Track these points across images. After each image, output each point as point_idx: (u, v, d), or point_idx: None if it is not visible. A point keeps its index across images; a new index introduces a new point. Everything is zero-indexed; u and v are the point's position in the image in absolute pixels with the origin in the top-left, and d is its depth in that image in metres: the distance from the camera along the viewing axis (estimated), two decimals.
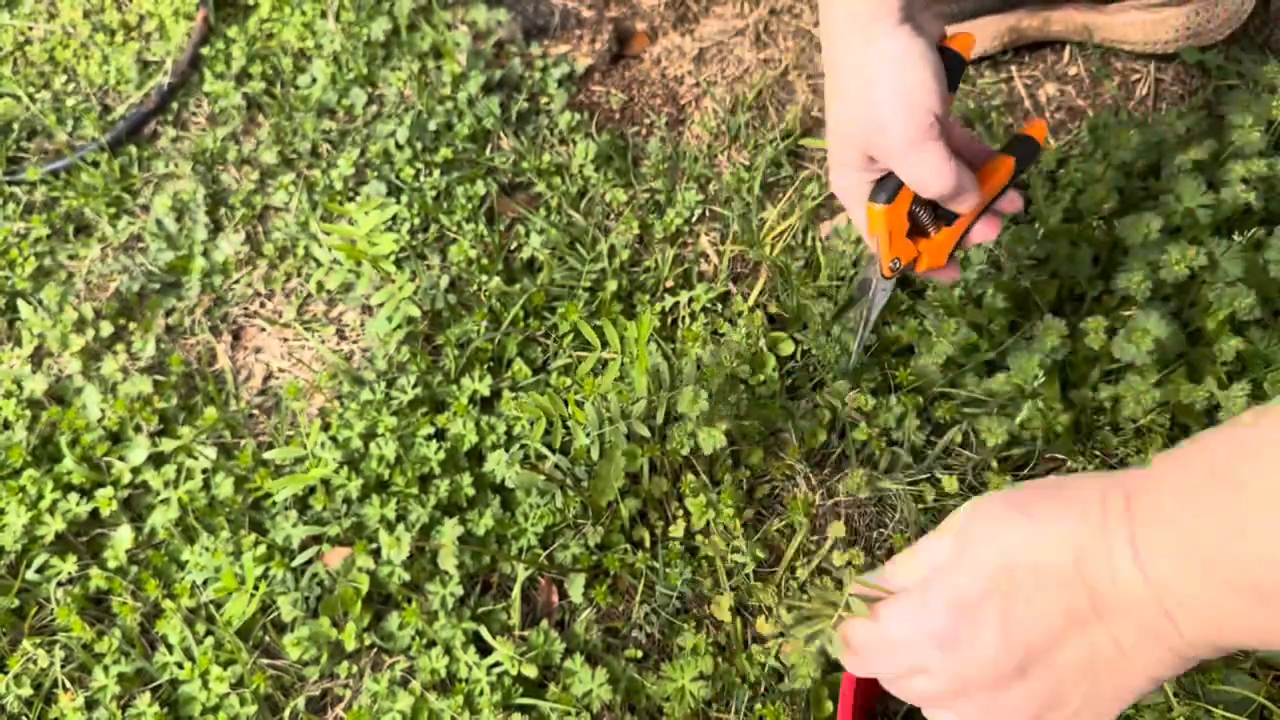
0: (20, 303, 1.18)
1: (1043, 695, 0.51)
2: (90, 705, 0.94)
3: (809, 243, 1.13)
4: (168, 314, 1.18)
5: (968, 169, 0.72)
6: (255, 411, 1.11)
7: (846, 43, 0.69)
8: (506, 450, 1.02)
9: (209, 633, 0.97)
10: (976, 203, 0.75)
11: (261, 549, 0.98)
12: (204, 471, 1.04)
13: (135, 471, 1.06)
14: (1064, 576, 0.49)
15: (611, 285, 1.10)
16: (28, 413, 1.09)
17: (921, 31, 0.70)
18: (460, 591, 0.95)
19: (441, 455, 1.00)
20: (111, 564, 1.00)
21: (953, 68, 0.72)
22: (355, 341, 1.16)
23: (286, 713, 0.94)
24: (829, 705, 0.89)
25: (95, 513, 1.03)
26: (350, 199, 1.22)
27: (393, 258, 1.14)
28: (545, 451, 1.01)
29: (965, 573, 0.52)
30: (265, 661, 0.95)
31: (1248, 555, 0.42)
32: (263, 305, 1.19)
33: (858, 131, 0.71)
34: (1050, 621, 0.50)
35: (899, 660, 0.56)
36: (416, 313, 1.10)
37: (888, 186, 0.75)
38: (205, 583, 0.98)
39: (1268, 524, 0.41)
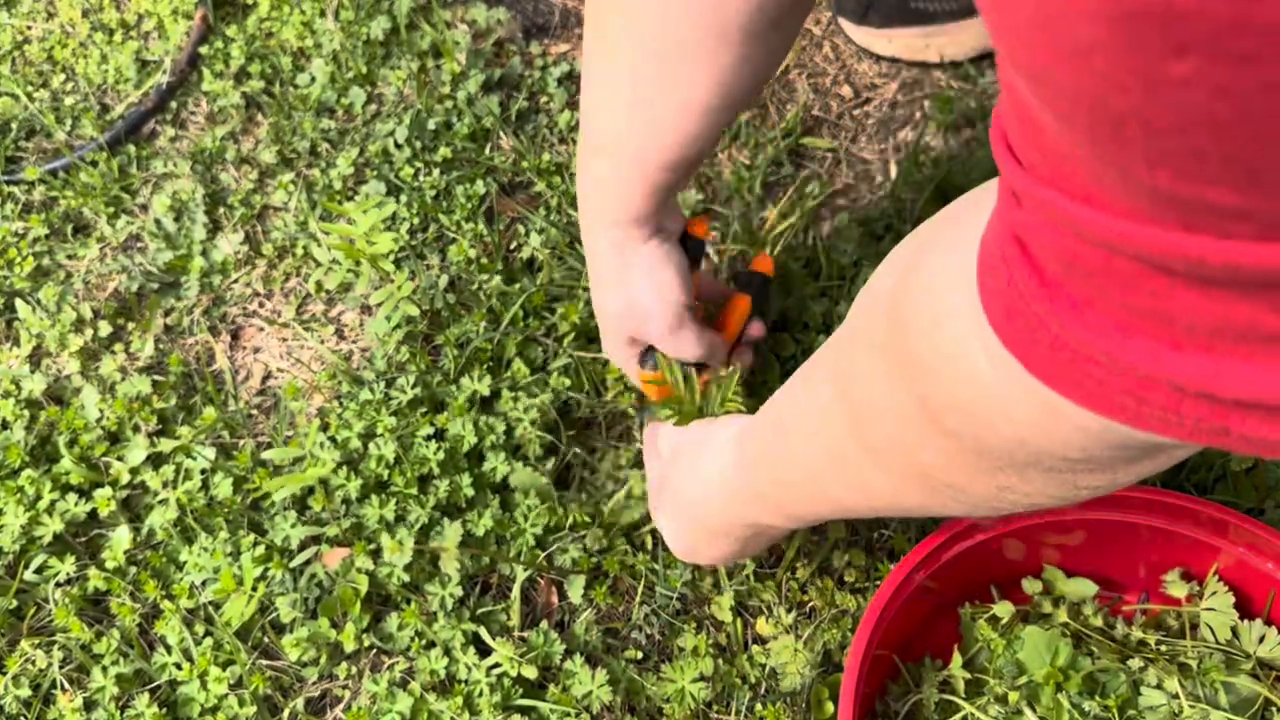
0: (18, 302, 1.17)
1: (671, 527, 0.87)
2: (89, 706, 0.94)
3: (810, 242, 1.13)
4: (166, 314, 1.18)
5: (713, 333, 0.90)
6: (254, 412, 1.11)
7: (607, 260, 0.85)
8: (506, 450, 1.02)
9: (208, 633, 0.96)
10: (725, 363, 0.91)
11: (260, 549, 0.98)
12: (203, 472, 1.04)
13: (134, 472, 1.05)
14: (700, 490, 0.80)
15: None
16: (26, 413, 1.09)
17: (667, 237, 0.84)
18: (460, 592, 0.95)
19: (441, 455, 1.00)
20: (110, 564, 1.00)
21: (694, 251, 0.89)
22: (354, 341, 1.15)
23: (285, 713, 0.93)
24: (829, 706, 0.89)
25: (94, 513, 1.03)
26: (349, 198, 1.22)
27: (392, 257, 1.14)
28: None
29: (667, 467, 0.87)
30: (264, 662, 0.95)
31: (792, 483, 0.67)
32: (262, 305, 1.19)
33: (625, 322, 0.87)
34: (691, 482, 0.82)
35: (649, 466, 0.91)
36: (416, 312, 1.10)
37: (651, 356, 0.90)
38: (204, 583, 0.98)
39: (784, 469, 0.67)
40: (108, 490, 1.03)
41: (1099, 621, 0.85)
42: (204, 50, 1.34)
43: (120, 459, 1.06)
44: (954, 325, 0.43)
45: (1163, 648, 0.84)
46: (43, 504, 1.02)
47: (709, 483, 0.76)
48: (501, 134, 1.25)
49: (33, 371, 1.13)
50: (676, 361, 0.89)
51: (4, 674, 0.95)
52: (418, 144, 1.23)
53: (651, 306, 0.85)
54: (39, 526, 1.02)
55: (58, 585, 1.00)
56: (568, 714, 0.90)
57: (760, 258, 0.96)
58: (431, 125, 1.24)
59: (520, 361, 1.07)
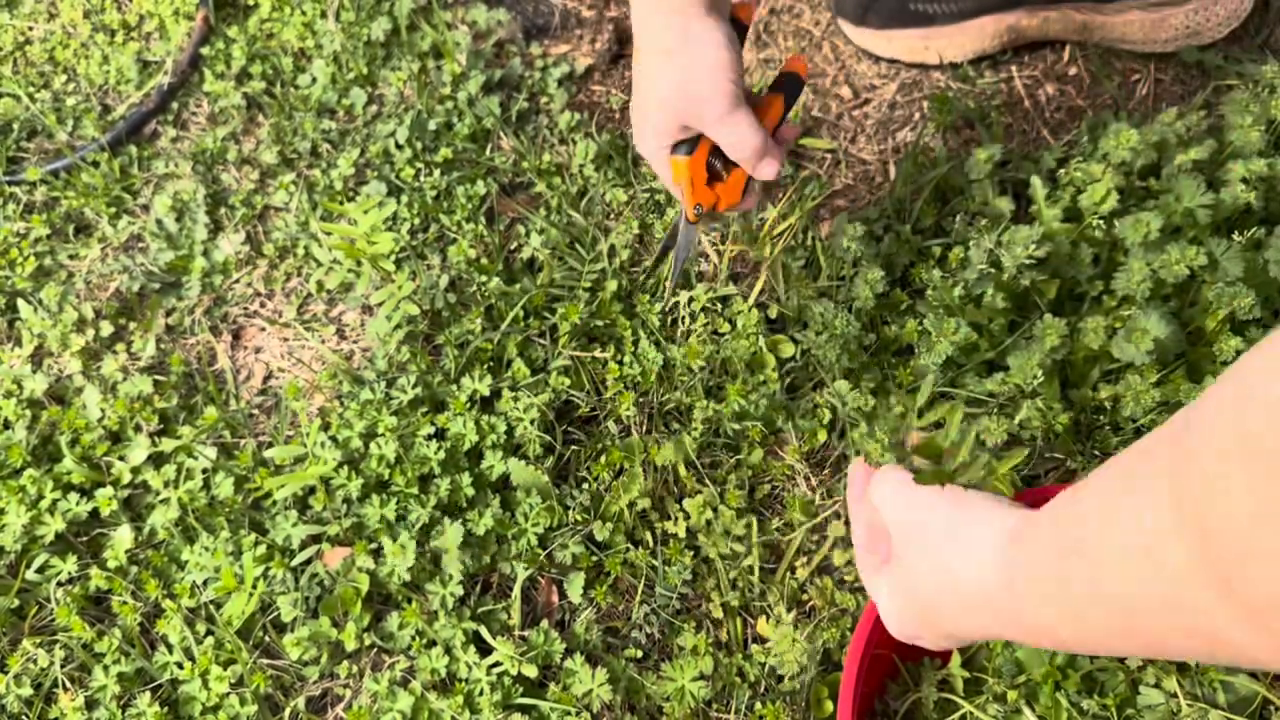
0: (20, 302, 1.18)
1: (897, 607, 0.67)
2: (90, 705, 0.94)
3: (809, 242, 1.13)
4: (168, 314, 1.18)
5: (768, 136, 0.84)
6: (255, 411, 1.11)
7: (660, 35, 0.80)
8: (506, 450, 1.02)
9: (209, 632, 0.97)
10: (776, 169, 0.87)
11: (261, 549, 0.98)
12: (204, 471, 1.04)
13: (135, 471, 1.06)
14: (949, 597, 0.61)
15: (611, 285, 1.10)
16: (28, 412, 1.09)
17: (720, 15, 0.81)
18: (460, 591, 0.95)
19: (441, 455, 1.00)
20: (111, 564, 1.00)
21: (739, 35, 0.84)
22: (355, 341, 1.16)
23: (286, 712, 0.94)
24: (829, 705, 0.89)
25: (95, 512, 1.03)
26: (350, 199, 1.22)
27: (393, 257, 1.14)
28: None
29: (935, 513, 0.64)
30: (265, 661, 0.95)
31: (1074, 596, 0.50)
32: (263, 305, 1.19)
33: (677, 105, 0.82)
34: (913, 606, 0.65)
35: (855, 528, 0.70)
36: (416, 312, 1.10)
37: (689, 141, 0.85)
38: (205, 582, 0.98)
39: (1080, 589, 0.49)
40: (109, 490, 1.03)
41: None
42: (205, 51, 1.34)
43: (122, 458, 1.06)
44: None
45: None
46: (44, 503, 1.02)
47: (962, 591, 0.60)
48: (502, 134, 1.25)
49: (34, 371, 1.13)
50: (715, 158, 0.85)
51: (6, 673, 0.95)
52: (418, 144, 1.23)
53: (709, 88, 0.80)
54: (41, 526, 1.02)
55: (59, 584, 1.00)
56: (568, 713, 0.90)
57: (794, 58, 0.92)
58: (432, 126, 1.25)
59: (520, 361, 1.07)
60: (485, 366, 1.07)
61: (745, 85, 0.87)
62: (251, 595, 0.96)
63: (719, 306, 1.10)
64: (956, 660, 0.85)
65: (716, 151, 0.87)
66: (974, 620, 0.60)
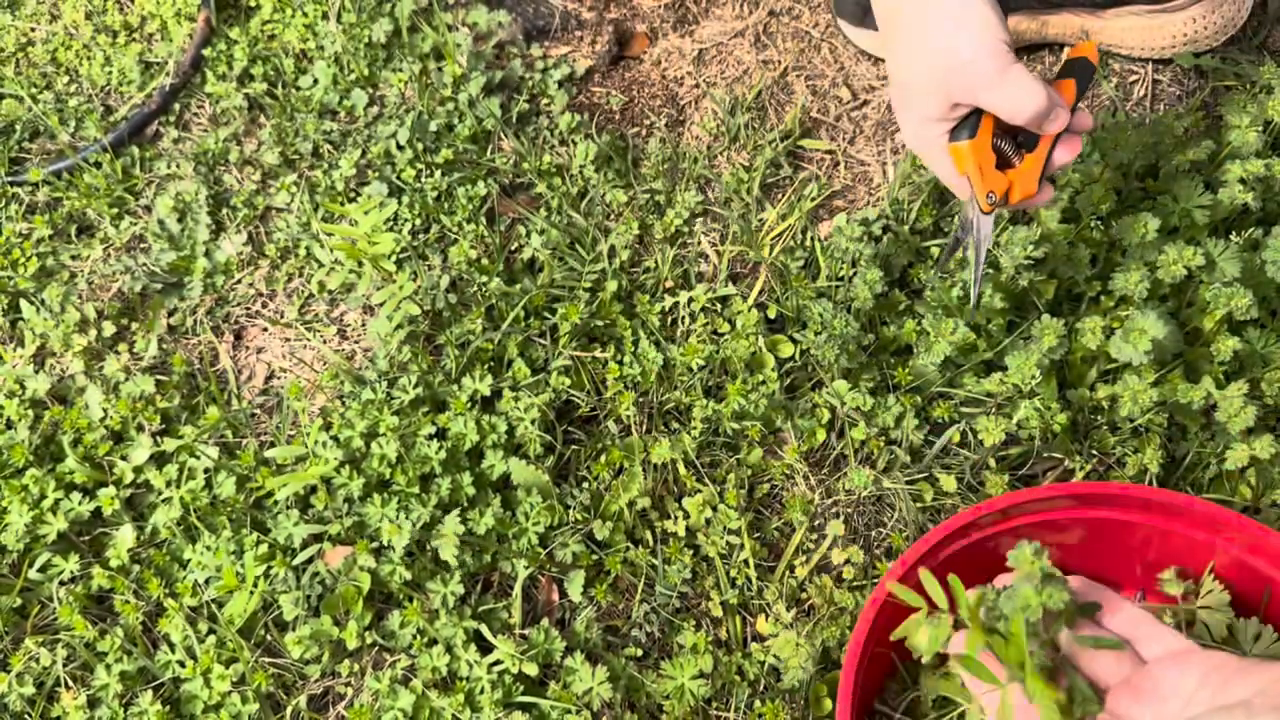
0: (23, 303, 1.18)
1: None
2: (93, 704, 0.94)
3: (808, 243, 1.13)
4: (170, 314, 1.18)
5: (1052, 90, 0.73)
6: (257, 411, 1.12)
7: (916, 8, 0.71)
8: (507, 450, 1.02)
9: (211, 631, 0.97)
10: (1064, 120, 0.75)
11: (263, 548, 0.98)
12: (206, 471, 1.05)
13: (137, 471, 1.06)
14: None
15: (611, 285, 1.10)
16: (30, 412, 1.09)
17: None
18: (461, 590, 0.96)
19: (442, 455, 1.00)
20: (114, 563, 1.01)
21: None
22: (357, 341, 1.16)
23: (288, 711, 0.94)
24: (828, 703, 0.89)
25: (97, 512, 1.04)
26: (352, 199, 1.23)
27: (394, 258, 1.15)
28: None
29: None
30: (267, 660, 0.96)
31: None
32: (264, 305, 1.19)
33: (941, 78, 0.72)
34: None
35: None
36: (417, 312, 1.10)
37: (967, 124, 0.75)
38: (207, 581, 0.99)
39: None
40: (111, 489, 1.03)
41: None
42: (207, 52, 1.34)
43: (124, 458, 1.07)
44: None
45: None
46: (47, 503, 1.03)
47: None
48: (502, 136, 1.26)
49: (37, 371, 1.13)
50: (1001, 140, 0.76)
51: (9, 672, 0.95)
52: (419, 145, 1.24)
53: (976, 45, 0.70)
54: (43, 525, 1.02)
55: (62, 584, 1.01)
56: (568, 711, 0.90)
57: (1084, 44, 0.83)
58: (433, 127, 1.25)
59: (521, 361, 1.07)
60: (486, 366, 1.08)
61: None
62: (253, 594, 0.96)
63: (718, 306, 1.11)
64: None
65: (1002, 133, 0.78)
66: None
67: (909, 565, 0.82)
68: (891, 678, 0.88)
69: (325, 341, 1.16)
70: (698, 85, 1.29)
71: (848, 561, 0.96)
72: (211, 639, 0.96)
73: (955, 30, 0.70)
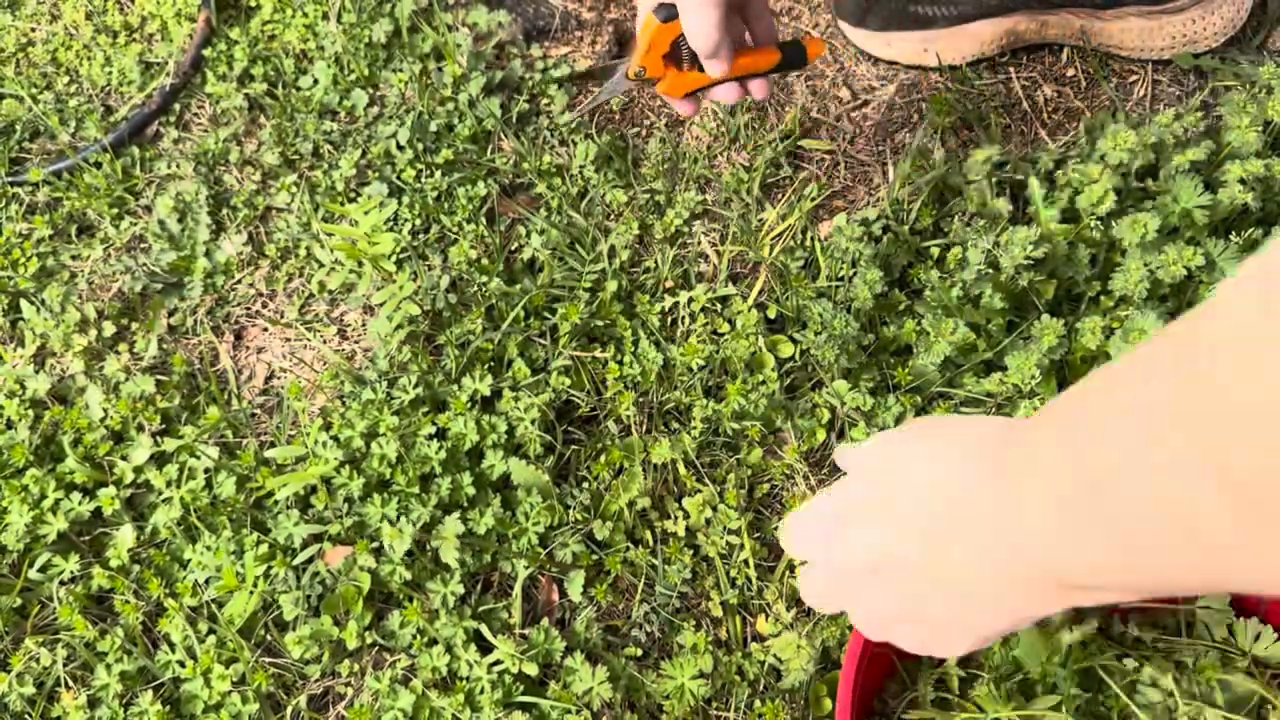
0: (23, 303, 1.18)
1: (895, 601, 0.57)
2: (93, 704, 0.94)
3: (808, 243, 1.13)
4: (170, 314, 1.19)
5: (729, 45, 0.87)
6: (257, 411, 1.12)
7: None
8: (507, 450, 1.02)
9: (211, 631, 0.97)
10: (721, 72, 0.89)
11: (263, 548, 0.98)
12: (206, 471, 1.05)
13: (138, 471, 1.06)
14: (931, 504, 0.54)
15: (611, 286, 1.11)
16: (30, 412, 1.09)
17: None
18: (461, 590, 0.96)
19: (442, 455, 1.00)
20: (114, 563, 1.01)
21: None
22: (357, 341, 1.16)
23: (288, 711, 0.94)
24: (828, 703, 0.89)
25: (98, 512, 1.04)
26: (352, 199, 1.23)
27: (394, 258, 1.15)
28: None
29: (856, 484, 0.60)
30: (267, 660, 0.96)
31: (1101, 510, 0.44)
32: (265, 305, 1.19)
33: None
34: (907, 538, 0.55)
35: (796, 549, 0.64)
36: (417, 312, 1.10)
37: (672, 11, 0.86)
38: (207, 581, 0.99)
39: (1120, 483, 0.42)
40: (112, 489, 1.03)
41: (1095, 619, 0.86)
42: (207, 52, 1.34)
43: (124, 458, 1.07)
44: None
45: (1159, 645, 0.84)
46: (47, 503, 1.03)
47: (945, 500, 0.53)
48: (502, 136, 1.26)
49: (37, 371, 1.13)
50: (685, 44, 0.87)
51: (9, 672, 0.95)
52: (419, 146, 1.24)
53: None
54: (43, 525, 1.02)
55: (62, 583, 1.01)
56: (568, 711, 0.90)
57: (815, 40, 0.94)
58: (433, 127, 1.25)
59: (521, 361, 1.07)
60: (486, 366, 1.08)
61: (767, 15, 0.92)
62: (253, 594, 0.97)
63: (718, 307, 1.11)
64: (953, 659, 0.85)
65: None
66: (958, 547, 0.52)
67: None
68: (891, 678, 0.88)
69: (325, 341, 1.16)
70: None
71: None
72: (211, 639, 0.96)
73: None
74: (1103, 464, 0.43)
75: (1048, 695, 0.82)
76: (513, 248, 1.18)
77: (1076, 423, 0.46)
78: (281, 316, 1.18)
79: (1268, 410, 0.34)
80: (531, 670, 0.91)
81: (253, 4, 1.39)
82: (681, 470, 1.01)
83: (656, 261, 1.14)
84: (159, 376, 1.13)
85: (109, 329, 1.16)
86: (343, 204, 1.22)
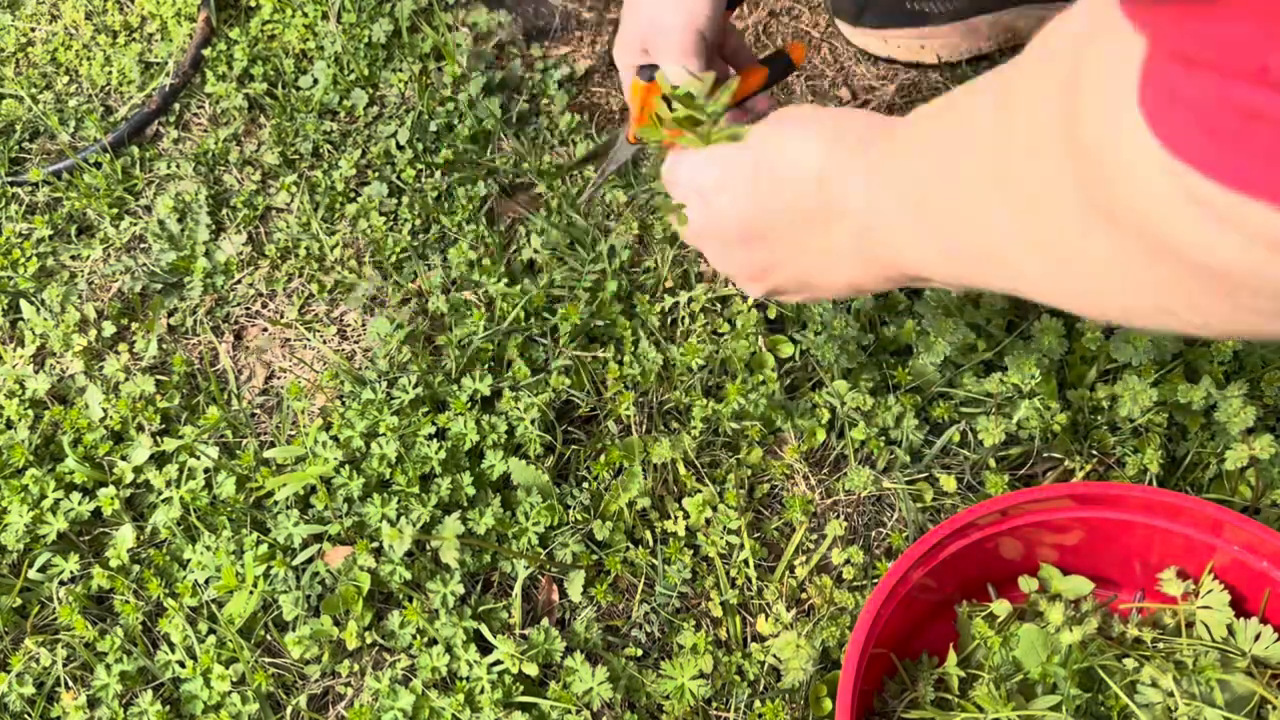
0: (23, 303, 1.18)
1: (759, 263, 0.71)
2: (93, 704, 0.94)
3: None
4: (170, 314, 1.19)
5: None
6: (257, 411, 1.12)
7: None
8: (507, 450, 1.02)
9: (211, 631, 0.97)
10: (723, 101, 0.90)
11: (263, 548, 0.98)
12: (206, 471, 1.05)
13: (137, 471, 1.06)
14: (803, 182, 0.64)
15: (611, 286, 1.10)
16: (30, 412, 1.09)
17: None
18: (461, 590, 0.96)
19: (442, 455, 1.00)
20: (114, 563, 1.01)
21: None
22: (357, 341, 1.16)
23: (288, 711, 0.94)
24: (828, 703, 0.89)
25: (97, 512, 1.04)
26: (352, 199, 1.23)
27: (394, 258, 1.15)
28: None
29: (742, 152, 0.69)
30: (267, 660, 0.96)
31: (927, 220, 0.55)
32: (265, 305, 1.19)
33: (643, 29, 0.84)
34: (776, 212, 0.67)
35: (676, 193, 0.75)
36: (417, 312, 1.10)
37: (654, 70, 0.85)
38: (207, 581, 0.99)
39: (952, 183, 0.52)
40: (111, 489, 1.04)
41: (1095, 619, 0.86)
42: (207, 52, 1.34)
43: (124, 458, 1.07)
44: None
45: (1159, 645, 0.84)
46: (47, 503, 1.03)
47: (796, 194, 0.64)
48: (502, 136, 1.26)
49: (37, 371, 1.13)
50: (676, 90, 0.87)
51: (8, 672, 0.95)
52: (419, 146, 1.24)
53: (675, 21, 0.81)
54: (43, 525, 1.02)
55: (62, 584, 1.01)
56: (568, 711, 0.90)
57: (795, 44, 0.93)
58: (433, 127, 1.25)
59: (521, 361, 1.07)
60: (486, 367, 1.08)
61: (734, 36, 0.91)
62: (253, 594, 0.97)
63: (718, 307, 1.11)
64: (953, 659, 0.86)
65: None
66: (815, 237, 0.64)
67: (909, 565, 0.82)
68: (891, 678, 0.88)
69: (325, 342, 1.16)
70: None
71: (848, 561, 0.96)
72: (211, 639, 0.96)
73: (671, 7, 0.82)
74: (927, 180, 0.54)
75: (1048, 695, 0.82)
76: (512, 248, 1.18)
77: (920, 138, 0.56)
78: (281, 316, 1.18)
79: (1037, 147, 0.43)
80: (531, 670, 0.91)
81: (252, 4, 1.39)
82: (681, 470, 1.01)
83: (656, 261, 1.14)
84: (159, 376, 1.13)
85: (109, 329, 1.16)
86: (343, 204, 1.22)
